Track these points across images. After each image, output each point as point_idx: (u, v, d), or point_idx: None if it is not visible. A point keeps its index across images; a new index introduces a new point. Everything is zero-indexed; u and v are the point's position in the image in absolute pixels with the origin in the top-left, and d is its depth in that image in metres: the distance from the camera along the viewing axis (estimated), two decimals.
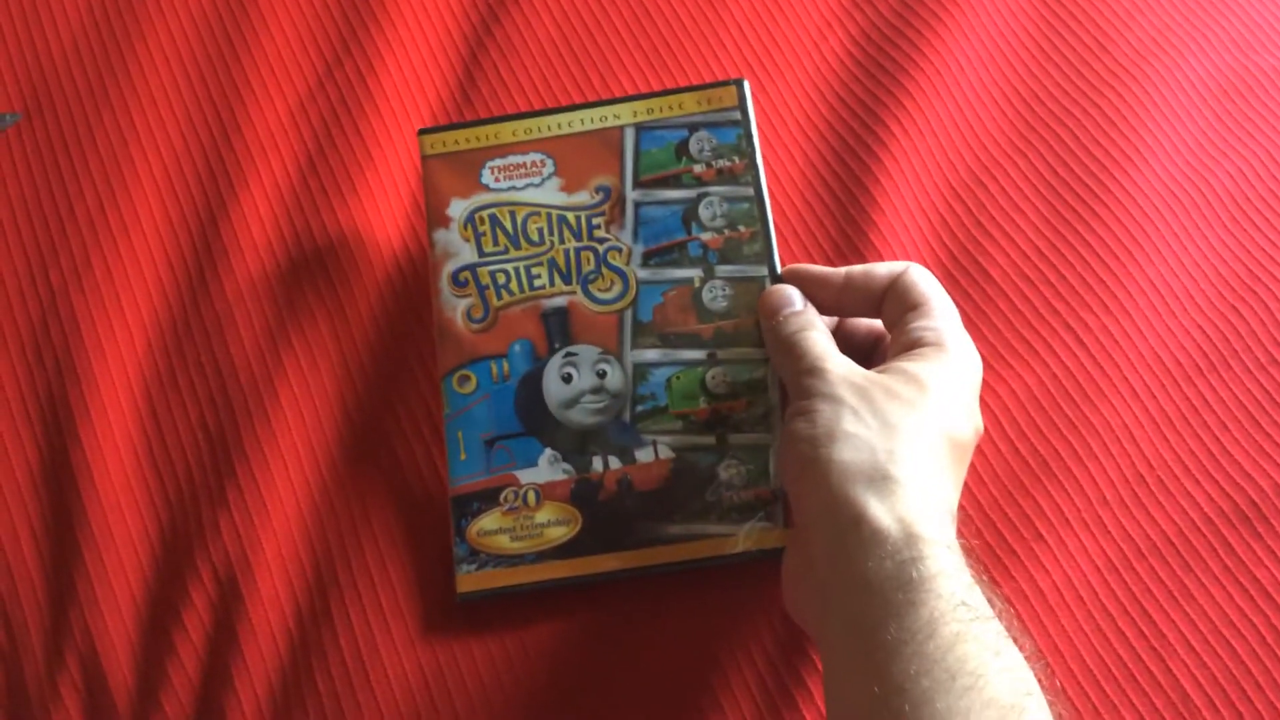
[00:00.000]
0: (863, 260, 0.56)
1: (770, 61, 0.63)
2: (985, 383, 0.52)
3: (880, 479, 0.40)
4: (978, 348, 0.48)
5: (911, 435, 0.42)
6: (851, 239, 0.57)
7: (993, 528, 0.51)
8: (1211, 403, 0.53)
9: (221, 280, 0.57)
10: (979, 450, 0.52)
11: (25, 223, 0.59)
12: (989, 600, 0.39)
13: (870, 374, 0.44)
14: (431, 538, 0.51)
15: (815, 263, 0.56)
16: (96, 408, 0.54)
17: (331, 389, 0.54)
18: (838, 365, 0.45)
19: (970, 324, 0.55)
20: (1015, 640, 0.38)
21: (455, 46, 0.64)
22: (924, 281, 0.47)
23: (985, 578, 0.40)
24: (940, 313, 0.46)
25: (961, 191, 0.58)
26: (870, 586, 0.38)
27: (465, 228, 0.53)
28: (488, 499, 0.50)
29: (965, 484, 0.50)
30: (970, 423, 0.45)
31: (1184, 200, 0.58)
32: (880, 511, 0.39)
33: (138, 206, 0.59)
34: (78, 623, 0.50)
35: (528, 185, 0.54)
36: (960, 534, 0.43)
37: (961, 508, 0.50)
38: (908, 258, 0.56)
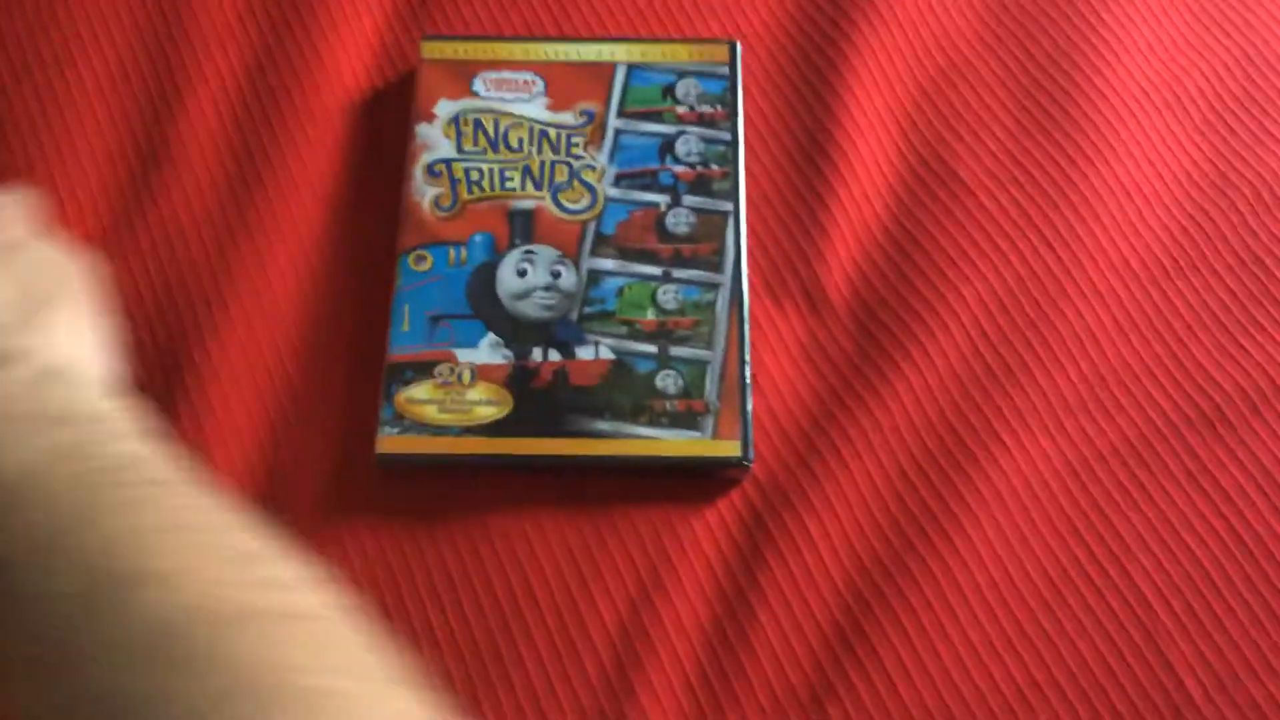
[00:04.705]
0: (830, 162, 0.55)
1: None
2: (950, 282, 0.52)
3: None
4: (946, 249, 0.50)
5: None
6: (817, 139, 0.56)
7: (952, 431, 0.49)
8: (1178, 306, 0.52)
9: (168, 185, 0.55)
10: (940, 353, 0.51)
11: None
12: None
13: None
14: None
15: (780, 162, 0.56)
16: None
17: (283, 297, 0.53)
18: None
19: (938, 225, 0.54)
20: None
21: None
22: None
23: None
24: None
25: (930, 90, 0.58)
26: None
27: (449, 125, 0.55)
28: (422, 370, 0.49)
29: (926, 387, 0.50)
30: None
31: (1156, 100, 0.58)
32: None
33: (80, 109, 0.57)
34: None
35: (516, 99, 0.55)
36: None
37: (922, 410, 0.50)
38: (875, 158, 0.56)
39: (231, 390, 0.51)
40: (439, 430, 0.48)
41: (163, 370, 0.52)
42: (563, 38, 0.57)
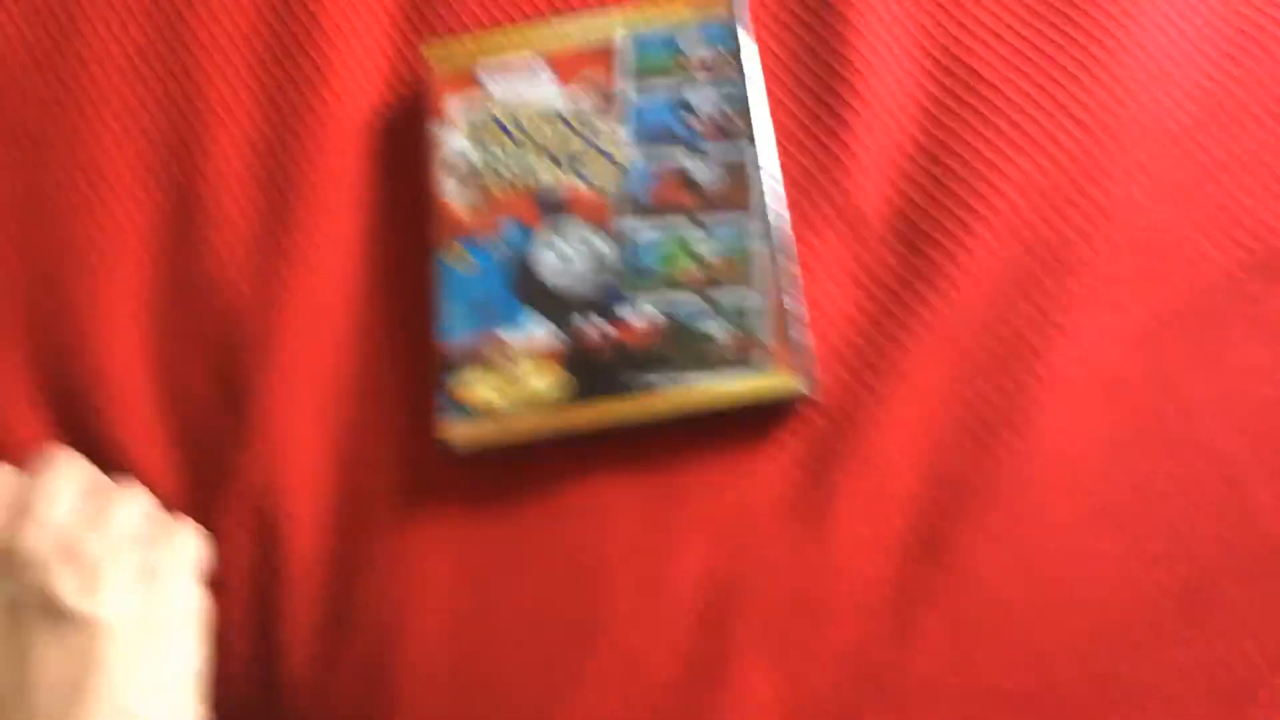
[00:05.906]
0: (848, 80, 0.54)
1: None
2: (986, 180, 0.51)
3: None
4: (978, 148, 0.51)
5: None
6: (834, 55, 0.55)
7: (1009, 326, 0.48)
8: (1220, 159, 0.50)
9: (207, 234, 0.56)
10: (986, 251, 0.50)
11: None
12: None
13: None
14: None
15: (788, 70, 0.55)
16: (107, 383, 0.53)
17: (332, 317, 0.54)
18: None
19: (967, 126, 0.52)
20: None
21: None
22: None
23: None
24: None
25: None
26: None
27: (464, 124, 0.55)
28: (473, 357, 0.51)
29: (976, 288, 0.49)
30: None
31: None
32: None
33: (107, 174, 0.57)
34: None
35: (525, 85, 0.56)
36: None
37: (976, 312, 0.49)
38: (894, 68, 0.54)
39: (298, 412, 0.52)
40: (498, 413, 0.49)
41: (229, 405, 0.53)
42: (559, 15, 0.57)
